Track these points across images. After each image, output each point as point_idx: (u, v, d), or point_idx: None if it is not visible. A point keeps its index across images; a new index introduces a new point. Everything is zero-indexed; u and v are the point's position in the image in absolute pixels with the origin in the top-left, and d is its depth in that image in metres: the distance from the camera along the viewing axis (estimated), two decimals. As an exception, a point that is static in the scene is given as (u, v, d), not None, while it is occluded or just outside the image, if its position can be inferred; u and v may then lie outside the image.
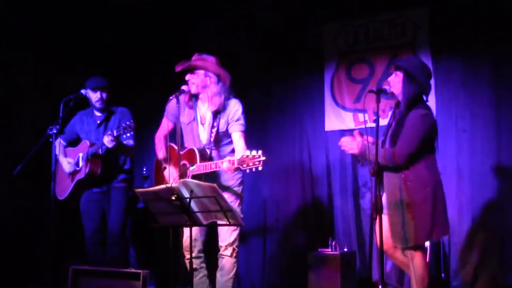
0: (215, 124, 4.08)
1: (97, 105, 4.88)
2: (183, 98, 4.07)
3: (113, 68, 6.16)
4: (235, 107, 4.10)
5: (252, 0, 5.87)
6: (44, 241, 5.04)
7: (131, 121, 4.44)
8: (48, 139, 4.65)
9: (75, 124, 5.00)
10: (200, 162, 3.93)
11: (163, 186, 3.38)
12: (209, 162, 3.90)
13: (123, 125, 4.42)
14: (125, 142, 4.78)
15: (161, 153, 4.27)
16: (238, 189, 4.13)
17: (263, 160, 3.52)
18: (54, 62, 5.92)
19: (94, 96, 4.85)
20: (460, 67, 5.17)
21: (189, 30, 6.23)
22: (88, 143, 4.78)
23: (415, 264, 3.74)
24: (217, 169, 3.83)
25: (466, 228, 5.04)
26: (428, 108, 3.81)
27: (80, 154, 4.81)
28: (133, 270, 4.15)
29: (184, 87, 4.06)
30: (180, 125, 4.05)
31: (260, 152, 3.56)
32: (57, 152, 4.72)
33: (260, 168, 3.55)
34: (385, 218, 3.74)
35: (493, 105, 5.01)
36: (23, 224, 5.57)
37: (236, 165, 3.64)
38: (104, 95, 4.87)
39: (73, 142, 5.00)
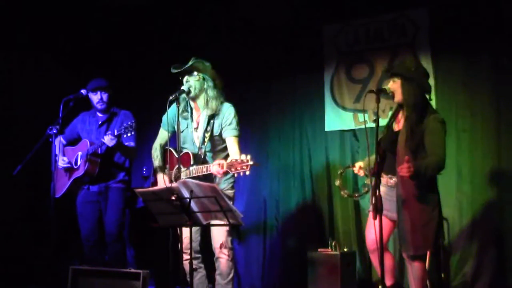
0: (208, 129, 4.14)
1: (98, 106, 4.89)
2: (178, 108, 4.10)
3: (112, 68, 6.16)
4: (227, 111, 4.16)
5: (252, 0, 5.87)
6: (44, 241, 5.04)
7: (133, 121, 4.46)
8: (48, 139, 4.65)
9: (76, 124, 5.02)
10: (194, 165, 4.00)
11: (163, 186, 3.39)
12: (201, 166, 3.96)
13: (125, 124, 4.46)
14: (126, 143, 4.80)
15: (156, 162, 4.34)
16: (230, 192, 4.17)
17: (251, 165, 3.57)
18: (54, 62, 5.92)
19: (95, 98, 4.86)
20: (460, 67, 5.17)
21: (189, 30, 6.22)
22: (88, 142, 4.80)
23: (415, 265, 3.75)
24: (208, 172, 3.88)
25: (466, 228, 5.03)
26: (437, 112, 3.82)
27: (79, 153, 4.83)
28: (133, 270, 4.16)
29: (184, 87, 4.09)
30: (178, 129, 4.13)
31: (248, 156, 3.60)
32: (57, 151, 4.74)
33: (247, 173, 3.60)
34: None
35: (493, 105, 5.01)
36: (23, 224, 5.57)
37: (225, 169, 3.69)
38: (104, 96, 4.88)
39: (74, 141, 5.01)
